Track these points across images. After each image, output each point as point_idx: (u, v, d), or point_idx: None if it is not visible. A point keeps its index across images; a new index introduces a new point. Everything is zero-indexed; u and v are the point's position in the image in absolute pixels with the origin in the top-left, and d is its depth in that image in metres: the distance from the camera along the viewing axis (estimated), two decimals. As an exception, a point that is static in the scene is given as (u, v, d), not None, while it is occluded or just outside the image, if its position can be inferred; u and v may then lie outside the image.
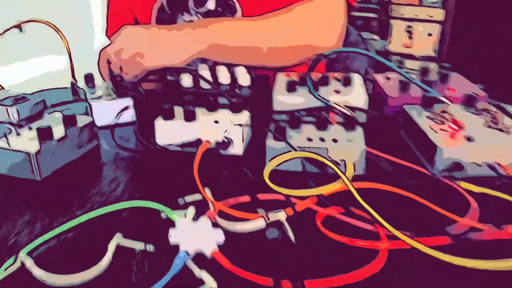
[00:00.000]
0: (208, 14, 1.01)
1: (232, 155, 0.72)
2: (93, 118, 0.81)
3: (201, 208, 0.56)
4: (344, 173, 0.61)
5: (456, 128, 0.65)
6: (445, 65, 0.90)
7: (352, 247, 0.51)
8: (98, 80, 0.90)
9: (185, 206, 0.57)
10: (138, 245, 0.49)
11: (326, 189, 0.59)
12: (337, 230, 0.53)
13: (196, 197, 0.59)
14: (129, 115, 0.84)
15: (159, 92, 0.91)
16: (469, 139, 0.63)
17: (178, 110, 0.74)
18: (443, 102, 0.78)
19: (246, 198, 0.59)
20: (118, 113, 0.82)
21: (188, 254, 0.47)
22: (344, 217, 0.55)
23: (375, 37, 2.54)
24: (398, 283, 0.47)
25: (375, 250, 0.50)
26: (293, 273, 0.47)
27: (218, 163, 0.69)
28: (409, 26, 2.40)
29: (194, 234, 0.50)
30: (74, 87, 0.88)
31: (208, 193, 0.59)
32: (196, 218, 0.53)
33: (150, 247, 0.50)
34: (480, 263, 0.47)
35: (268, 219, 0.54)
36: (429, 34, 2.34)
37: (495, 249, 0.50)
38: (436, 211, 0.57)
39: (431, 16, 2.32)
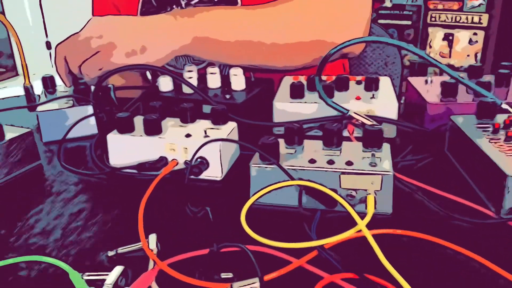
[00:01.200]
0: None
1: (208, 180, 0.53)
2: (40, 131, 0.65)
3: (138, 268, 0.37)
4: (358, 212, 0.40)
5: (533, 146, 0.43)
6: (505, 64, 0.68)
7: None
8: (61, 84, 0.73)
9: (116, 262, 0.38)
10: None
11: (330, 239, 0.39)
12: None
13: (136, 247, 0.40)
14: (90, 127, 0.66)
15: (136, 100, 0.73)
16: (556, 163, 0.41)
17: (139, 121, 0.56)
18: (506, 111, 0.56)
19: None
20: (73, 125, 0.64)
21: None
22: (357, 289, 0.34)
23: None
24: None
25: None
26: None
27: (186, 193, 0.50)
28: (449, 34, 2.16)
29: (102, 319, 0.30)
30: (28, 92, 0.72)
31: (152, 242, 0.39)
32: (123, 284, 0.34)
33: (32, 337, 0.30)
34: None
35: (233, 289, 0.33)
36: (471, 42, 2.09)
37: None
38: (505, 277, 0.35)
39: (473, 22, 2.07)
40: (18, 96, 0.74)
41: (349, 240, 0.40)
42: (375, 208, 0.43)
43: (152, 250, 0.38)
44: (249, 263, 0.36)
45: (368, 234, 0.37)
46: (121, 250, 0.39)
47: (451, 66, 2.20)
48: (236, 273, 0.36)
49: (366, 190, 0.44)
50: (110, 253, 0.39)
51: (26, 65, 0.69)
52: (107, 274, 0.35)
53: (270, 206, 0.47)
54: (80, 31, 0.69)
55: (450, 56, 2.18)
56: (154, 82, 0.77)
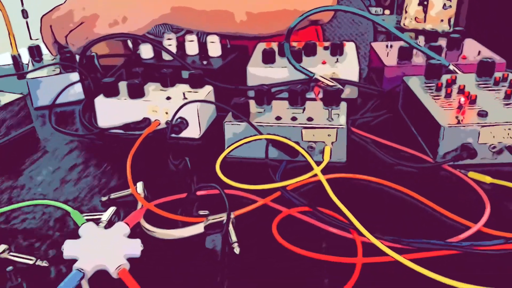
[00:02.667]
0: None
1: (187, 138, 0.59)
2: (30, 97, 0.70)
3: (127, 210, 0.44)
4: (317, 161, 0.47)
5: (465, 101, 0.51)
6: (457, 29, 0.74)
7: (316, 261, 0.37)
8: (47, 53, 0.78)
9: (109, 206, 0.44)
10: (26, 260, 0.37)
11: (290, 181, 0.46)
12: (299, 237, 0.40)
13: (125, 193, 0.46)
14: (76, 93, 0.71)
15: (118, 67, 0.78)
16: (482, 114, 0.49)
17: (123, 86, 0.61)
18: (452, 72, 0.63)
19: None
20: (61, 91, 0.69)
21: (83, 273, 0.34)
22: (310, 219, 0.42)
23: (387, 12, 2.35)
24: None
25: (347, 265, 0.36)
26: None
27: (168, 149, 0.56)
28: (424, -1, 2.21)
29: (101, 246, 0.37)
30: (16, 61, 0.76)
31: (139, 188, 0.46)
32: (117, 221, 0.40)
33: (43, 262, 0.37)
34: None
35: (209, 222, 0.40)
36: (445, 7, 2.15)
37: (507, 265, 0.36)
38: (436, 210, 0.43)
39: (448, -13, 2.12)
40: (5, 65, 0.78)
41: (309, 184, 0.48)
42: (330, 157, 0.50)
43: (139, 195, 0.44)
44: (223, 203, 0.43)
45: (321, 177, 0.44)
46: (113, 196, 0.46)
47: (423, 31, 2.26)
48: (212, 211, 0.43)
49: (324, 142, 0.51)
50: (103, 199, 0.46)
51: (13, 34, 0.73)
52: (102, 214, 0.42)
53: (243, 159, 0.53)
54: (63, 3, 0.73)
55: (425, 21, 2.23)
56: (135, 50, 0.82)
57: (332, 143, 0.51)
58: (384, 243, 0.36)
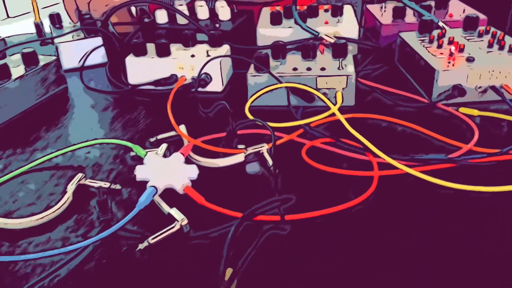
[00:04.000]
0: None
1: (211, 92, 0.66)
2: (60, 60, 0.75)
3: (176, 146, 0.51)
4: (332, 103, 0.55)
5: (455, 49, 0.59)
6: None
7: (340, 176, 0.46)
8: (66, 20, 0.83)
9: (158, 144, 0.52)
10: (102, 184, 0.44)
11: (312, 119, 0.54)
12: (324, 161, 0.48)
13: (170, 134, 0.54)
14: (100, 56, 0.77)
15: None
16: (470, 60, 0.57)
17: (151, 46, 0.67)
18: (441, 28, 0.72)
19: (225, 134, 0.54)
20: (87, 54, 0.75)
21: (156, 189, 0.42)
22: (332, 148, 0.50)
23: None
24: (389, 211, 0.42)
25: (365, 178, 0.45)
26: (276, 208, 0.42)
27: (196, 101, 0.63)
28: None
29: (165, 170, 0.44)
30: (39, 28, 0.81)
31: (183, 129, 0.53)
32: (169, 155, 0.48)
33: (117, 186, 0.44)
34: (473, 187, 0.41)
35: (248, 153, 0.48)
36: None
37: (492, 173, 0.45)
38: (432, 136, 0.51)
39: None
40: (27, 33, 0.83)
41: (324, 124, 0.56)
42: (342, 101, 0.58)
43: (185, 134, 0.52)
44: (256, 141, 0.50)
45: (338, 114, 0.52)
46: (160, 136, 0.53)
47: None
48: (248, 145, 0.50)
49: (335, 88, 0.59)
50: (152, 139, 0.53)
51: (36, 2, 0.77)
52: (156, 150, 0.49)
53: (263, 107, 0.61)
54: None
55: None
56: (142, 17, 0.88)
57: (343, 89, 0.59)
58: (396, 160, 0.45)
